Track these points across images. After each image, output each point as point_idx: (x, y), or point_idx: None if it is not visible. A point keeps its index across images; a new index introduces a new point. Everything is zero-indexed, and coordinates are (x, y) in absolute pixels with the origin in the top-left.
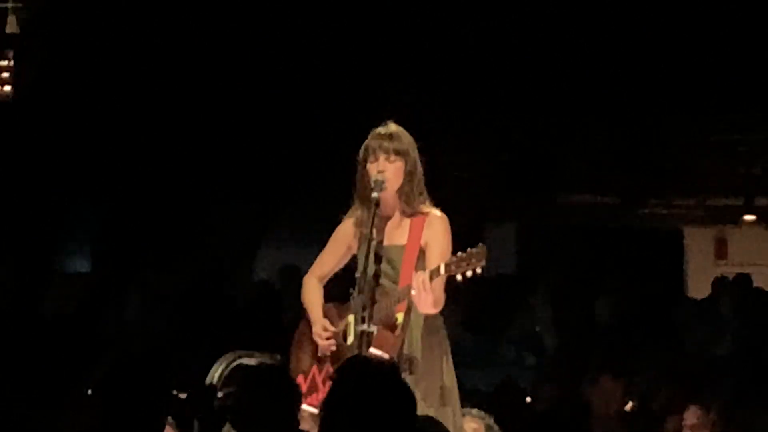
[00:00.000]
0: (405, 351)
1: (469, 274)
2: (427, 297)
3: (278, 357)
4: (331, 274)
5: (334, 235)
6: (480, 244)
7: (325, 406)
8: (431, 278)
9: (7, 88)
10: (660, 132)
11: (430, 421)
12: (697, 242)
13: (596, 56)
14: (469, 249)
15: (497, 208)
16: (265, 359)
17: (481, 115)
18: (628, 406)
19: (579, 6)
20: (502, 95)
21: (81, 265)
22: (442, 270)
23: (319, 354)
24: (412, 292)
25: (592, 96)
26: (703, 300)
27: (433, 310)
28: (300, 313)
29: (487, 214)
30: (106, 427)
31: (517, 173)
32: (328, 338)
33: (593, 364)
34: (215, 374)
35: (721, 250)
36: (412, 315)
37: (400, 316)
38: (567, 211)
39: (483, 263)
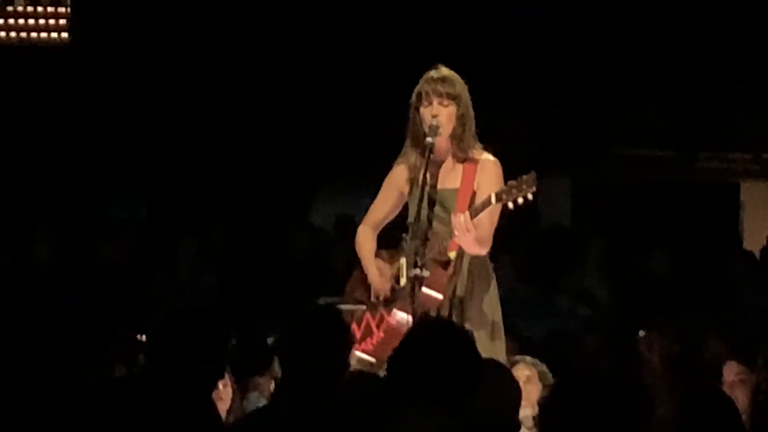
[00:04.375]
0: (458, 292)
1: (520, 201)
2: (468, 236)
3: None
4: (385, 222)
5: (386, 181)
6: (531, 171)
7: (394, 361)
8: (483, 208)
9: (64, 35)
10: (716, 86)
11: (494, 365)
12: (753, 196)
13: (652, 12)
14: (519, 176)
15: (551, 162)
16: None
17: (533, 69)
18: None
19: None
20: (555, 48)
21: (137, 212)
22: (493, 200)
23: (372, 299)
24: (455, 233)
25: (647, 51)
26: (760, 254)
27: (478, 250)
28: (353, 263)
29: (541, 168)
30: (159, 373)
31: (571, 126)
32: (383, 280)
33: (644, 316)
34: None
35: None
36: (465, 255)
37: (452, 255)
38: (622, 164)
39: (534, 189)
